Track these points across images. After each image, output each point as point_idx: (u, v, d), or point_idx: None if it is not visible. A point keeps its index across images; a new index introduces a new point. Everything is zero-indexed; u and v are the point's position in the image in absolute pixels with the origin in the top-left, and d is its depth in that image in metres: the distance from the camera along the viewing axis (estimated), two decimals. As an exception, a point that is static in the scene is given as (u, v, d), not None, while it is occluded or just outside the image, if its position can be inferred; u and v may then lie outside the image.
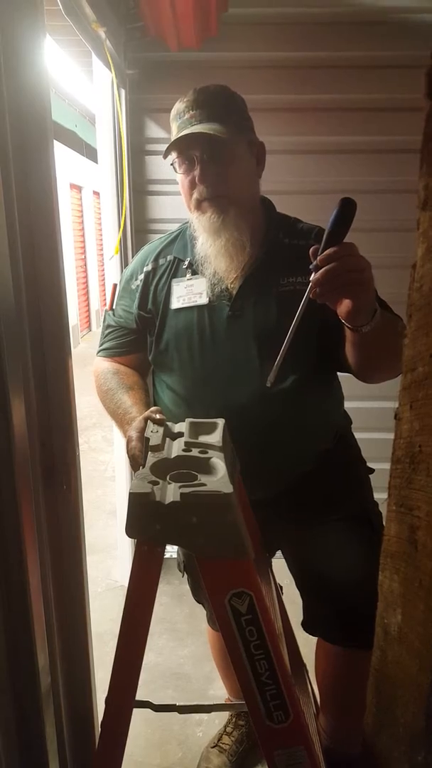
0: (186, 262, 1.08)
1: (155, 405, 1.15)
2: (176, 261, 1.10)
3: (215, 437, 0.86)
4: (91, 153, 8.28)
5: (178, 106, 1.02)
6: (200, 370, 1.05)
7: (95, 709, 1.09)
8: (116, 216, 1.90)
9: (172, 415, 1.06)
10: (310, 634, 1.20)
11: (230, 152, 0.98)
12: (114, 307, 1.17)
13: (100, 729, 0.81)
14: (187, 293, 1.06)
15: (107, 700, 0.80)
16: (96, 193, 8.35)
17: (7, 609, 0.75)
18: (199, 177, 0.99)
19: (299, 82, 1.92)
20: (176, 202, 2.06)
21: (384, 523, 0.76)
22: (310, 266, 0.81)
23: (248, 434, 1.00)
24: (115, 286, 1.20)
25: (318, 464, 1.07)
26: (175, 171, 1.04)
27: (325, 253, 0.79)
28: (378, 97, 1.91)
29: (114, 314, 1.17)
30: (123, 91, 1.85)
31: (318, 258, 0.80)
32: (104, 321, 1.21)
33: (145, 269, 1.12)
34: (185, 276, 1.07)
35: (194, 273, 1.06)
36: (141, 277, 1.12)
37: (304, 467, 1.06)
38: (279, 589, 1.16)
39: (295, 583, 1.20)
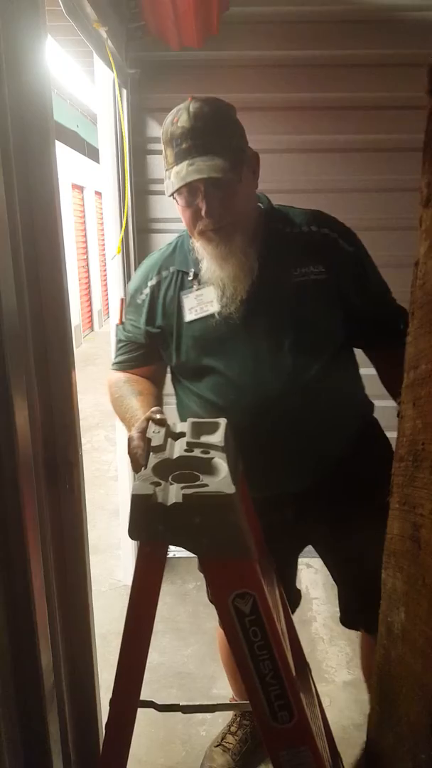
0: (191, 274, 1.08)
1: (181, 412, 1.16)
2: (180, 273, 1.10)
3: (217, 437, 0.86)
4: (92, 153, 8.29)
5: (172, 129, 0.98)
6: (225, 373, 1.05)
7: (99, 709, 1.09)
8: (118, 216, 1.90)
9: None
10: (351, 628, 1.20)
11: (232, 183, 0.97)
12: (123, 321, 1.18)
13: (104, 729, 0.81)
14: (198, 303, 1.06)
15: (112, 701, 0.80)
16: (98, 193, 8.36)
17: (11, 608, 0.75)
18: (205, 212, 0.98)
19: (300, 80, 1.92)
20: (178, 202, 2.07)
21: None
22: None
23: (280, 428, 1.02)
24: (123, 300, 1.20)
25: (351, 450, 1.08)
26: (176, 203, 1.03)
27: None
28: (380, 95, 1.91)
29: (124, 329, 1.18)
30: (124, 91, 1.85)
31: None
32: (116, 335, 1.22)
33: (149, 283, 1.12)
34: (193, 287, 1.07)
35: (201, 283, 1.06)
36: (146, 291, 1.12)
37: (338, 453, 1.07)
38: (282, 590, 1.16)
39: (332, 577, 1.21)
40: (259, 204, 1.11)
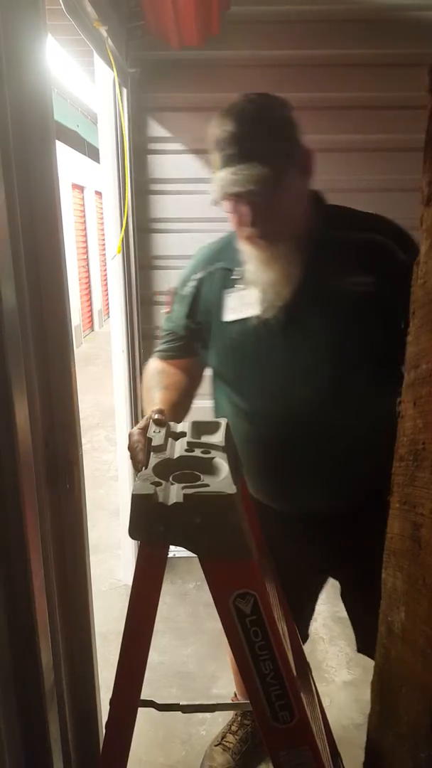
0: (236, 273, 1.05)
1: (216, 412, 1.14)
2: (226, 271, 1.07)
3: (218, 437, 0.86)
4: (93, 152, 8.28)
5: (219, 133, 0.92)
6: (259, 381, 1.03)
7: (99, 708, 1.09)
8: (118, 215, 1.90)
9: (233, 425, 1.02)
10: (371, 657, 1.13)
11: (279, 189, 0.92)
12: (170, 310, 1.17)
13: (104, 728, 0.81)
14: (239, 304, 1.03)
15: (112, 700, 0.80)
16: (98, 193, 8.36)
17: (11, 608, 0.75)
18: (249, 220, 0.94)
19: (301, 80, 1.92)
20: (179, 201, 2.07)
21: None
22: None
23: (311, 443, 0.99)
24: (172, 290, 1.18)
25: (387, 477, 0.97)
26: (219, 206, 0.99)
27: None
28: (380, 95, 1.91)
29: (169, 318, 1.17)
30: (125, 90, 1.85)
31: None
32: (163, 323, 1.21)
33: (197, 276, 1.11)
34: (236, 287, 1.04)
35: (244, 283, 1.03)
36: (193, 284, 1.10)
37: (371, 477, 0.94)
38: (282, 590, 1.16)
39: (346, 606, 1.18)
40: (314, 204, 1.04)
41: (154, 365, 1.18)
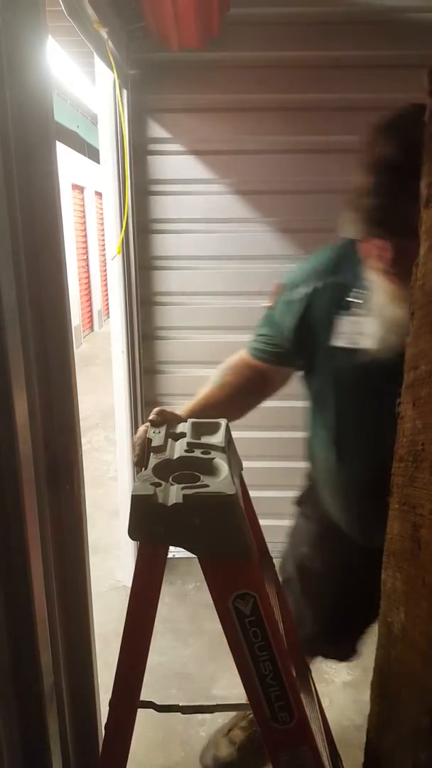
0: (353, 293, 0.94)
1: (308, 435, 1.08)
2: (341, 287, 0.96)
3: (218, 438, 0.86)
4: (93, 153, 8.29)
5: (377, 153, 0.80)
6: (359, 419, 0.96)
7: (98, 709, 1.09)
8: (118, 216, 1.90)
9: (322, 456, 0.98)
10: None
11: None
12: (273, 308, 1.07)
13: (103, 730, 0.81)
14: (353, 332, 0.94)
15: (111, 701, 0.80)
16: (98, 194, 8.36)
17: (11, 608, 0.75)
18: (389, 261, 0.84)
19: (301, 81, 1.92)
20: (178, 202, 2.07)
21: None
22: None
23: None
24: (278, 286, 1.09)
25: None
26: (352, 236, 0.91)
27: None
28: (381, 96, 1.91)
29: (271, 320, 1.08)
30: (125, 92, 1.86)
31: None
32: (261, 318, 1.13)
33: (309, 286, 1.00)
34: (351, 310, 0.94)
35: (363, 310, 0.93)
36: (305, 291, 1.00)
37: None
38: (281, 590, 1.16)
39: None
40: None
41: (230, 361, 1.12)
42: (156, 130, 2.00)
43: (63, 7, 1.21)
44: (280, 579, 1.22)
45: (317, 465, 1.15)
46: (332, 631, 1.25)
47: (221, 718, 1.51)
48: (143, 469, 0.80)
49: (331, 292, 0.97)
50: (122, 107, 1.82)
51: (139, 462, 0.92)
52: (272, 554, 1.08)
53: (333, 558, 1.19)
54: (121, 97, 1.81)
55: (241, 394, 1.08)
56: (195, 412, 0.99)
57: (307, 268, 1.05)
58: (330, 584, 1.21)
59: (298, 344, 1.03)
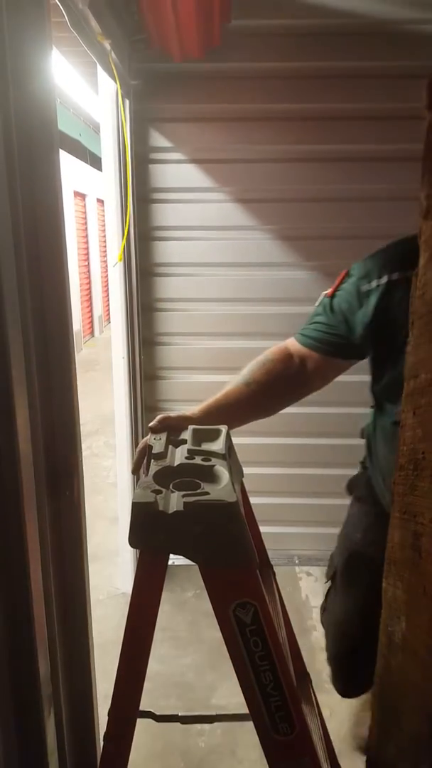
0: None
1: (369, 426, 1.03)
2: None
3: (218, 444, 0.86)
4: (95, 161, 8.35)
5: None
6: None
7: (97, 719, 1.08)
8: (120, 223, 1.91)
9: (385, 449, 0.92)
10: None
11: None
12: (335, 294, 1.00)
13: (102, 740, 0.80)
14: None
15: (110, 711, 0.79)
16: (100, 201, 8.41)
17: (10, 616, 0.75)
18: None
19: (301, 91, 1.94)
20: (179, 210, 2.08)
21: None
22: None
23: None
24: (344, 272, 1.02)
25: None
26: None
27: None
28: (380, 106, 1.93)
29: (331, 304, 1.01)
30: (127, 101, 1.88)
31: None
32: (319, 304, 1.05)
33: (384, 276, 0.93)
34: None
35: None
36: (384, 282, 0.93)
37: None
38: (282, 598, 1.15)
39: None
40: None
41: (274, 351, 1.04)
42: (157, 139, 2.02)
43: (67, 19, 1.22)
44: (326, 577, 1.17)
45: (378, 455, 1.09)
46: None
47: (220, 729, 1.50)
48: (144, 475, 0.80)
49: (409, 285, 0.90)
50: (124, 116, 1.83)
51: (135, 469, 0.92)
52: (273, 562, 1.08)
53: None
54: (123, 106, 1.83)
55: (278, 387, 1.01)
56: (211, 411, 0.96)
57: (381, 258, 0.98)
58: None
59: (373, 338, 0.96)
